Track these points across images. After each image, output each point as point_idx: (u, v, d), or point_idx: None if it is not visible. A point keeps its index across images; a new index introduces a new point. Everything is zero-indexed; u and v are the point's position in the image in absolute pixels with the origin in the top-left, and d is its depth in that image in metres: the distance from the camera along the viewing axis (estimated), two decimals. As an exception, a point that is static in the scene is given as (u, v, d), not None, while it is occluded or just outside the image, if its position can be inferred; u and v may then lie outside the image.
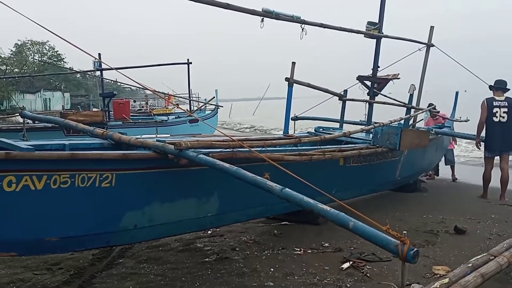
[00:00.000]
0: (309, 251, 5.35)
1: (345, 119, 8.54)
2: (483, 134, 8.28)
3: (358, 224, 2.96)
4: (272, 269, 4.79)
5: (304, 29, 6.07)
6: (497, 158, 8.30)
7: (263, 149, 4.82)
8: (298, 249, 5.41)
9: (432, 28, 8.79)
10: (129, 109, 15.67)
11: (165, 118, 14.60)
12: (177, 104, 35.81)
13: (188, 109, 16.09)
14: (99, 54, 14.91)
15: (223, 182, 4.76)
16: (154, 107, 37.52)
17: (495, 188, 8.53)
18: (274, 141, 5.02)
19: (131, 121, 14.60)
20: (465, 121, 10.10)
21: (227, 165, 3.80)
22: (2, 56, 58.93)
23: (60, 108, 59.14)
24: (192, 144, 4.15)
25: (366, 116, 8.02)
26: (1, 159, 3.35)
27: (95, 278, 4.64)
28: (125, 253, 5.39)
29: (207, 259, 5.15)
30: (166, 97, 36.20)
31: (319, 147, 5.61)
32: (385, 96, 7.99)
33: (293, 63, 7.04)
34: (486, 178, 8.33)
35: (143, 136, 10.07)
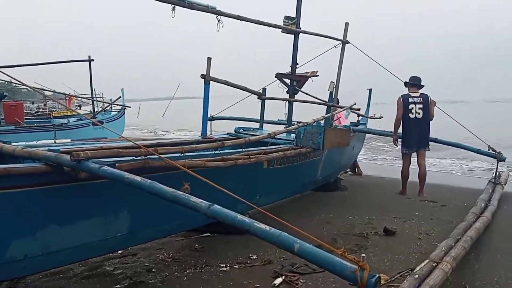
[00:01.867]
0: (236, 266, 4.82)
1: (264, 118, 8.14)
2: (400, 130, 8.31)
3: (306, 247, 2.47)
4: (196, 293, 4.19)
5: (220, 21, 5.53)
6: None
7: (182, 155, 4.18)
8: (224, 265, 4.85)
9: (347, 24, 8.67)
10: (23, 112, 14.02)
11: (65, 121, 13.25)
12: (80, 106, 33.63)
13: (92, 111, 14.79)
14: (-16, 50, 13.20)
15: (133, 195, 4.07)
16: (54, 109, 34.84)
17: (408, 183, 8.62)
18: (193, 146, 4.40)
19: (25, 125, 13.05)
20: (379, 118, 10.18)
21: (138, 178, 3.13)
22: None
23: None
24: (94, 153, 3.40)
25: (286, 115, 7.69)
26: None
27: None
28: (16, 285, 4.45)
29: (118, 286, 4.40)
30: (67, 98, 33.87)
31: (243, 150, 5.08)
32: (307, 94, 7.69)
33: (209, 59, 6.45)
34: (404, 175, 8.38)
35: (40, 141, 8.91)
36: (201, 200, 2.91)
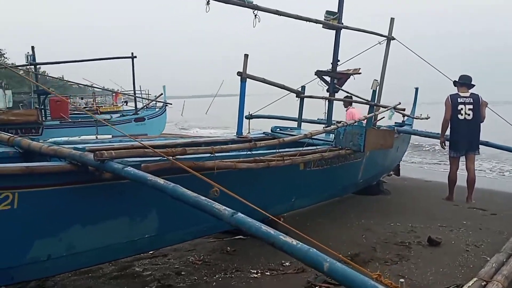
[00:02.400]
0: (268, 273, 4.59)
1: (303, 117, 7.86)
2: (447, 132, 7.81)
3: (336, 266, 2.20)
4: (224, 300, 4.00)
5: (257, 16, 5.31)
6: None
7: (211, 155, 4.00)
8: (255, 271, 4.64)
9: (392, 20, 8.27)
10: (68, 108, 14.36)
11: (107, 117, 13.46)
12: (126, 102, 34.35)
13: (135, 107, 14.96)
14: (32, 47, 13.59)
15: (161, 196, 3.93)
16: (102, 105, 35.81)
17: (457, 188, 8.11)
18: (224, 147, 4.21)
19: (69, 120, 13.35)
20: (426, 118, 9.66)
21: (161, 181, 2.96)
22: None
23: (1, 106, 55.70)
24: (118, 153, 3.27)
25: (326, 114, 7.37)
26: None
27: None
28: (45, 283, 4.42)
29: (145, 288, 4.29)
30: (113, 94, 34.69)
31: (277, 150, 4.85)
32: (347, 92, 7.35)
33: (246, 56, 6.26)
34: (452, 179, 7.87)
35: (82, 137, 9.01)
36: (224, 207, 2.71)
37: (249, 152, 4.63)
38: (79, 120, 13.78)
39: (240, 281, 4.42)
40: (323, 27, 6.90)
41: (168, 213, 4.07)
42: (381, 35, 8.06)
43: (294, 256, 2.44)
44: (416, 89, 10.32)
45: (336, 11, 7.06)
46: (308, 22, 6.46)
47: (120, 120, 13.84)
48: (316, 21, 6.67)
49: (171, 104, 15.05)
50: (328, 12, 6.91)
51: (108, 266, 4.81)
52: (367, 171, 7.64)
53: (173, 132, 18.81)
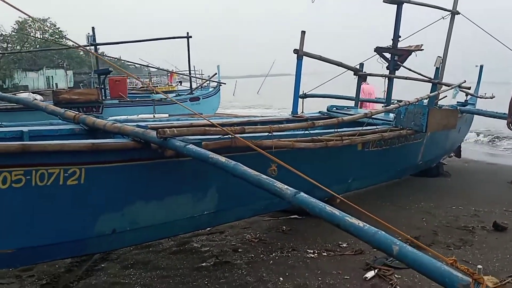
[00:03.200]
0: (324, 254, 4.56)
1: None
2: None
3: (407, 250, 2.10)
4: (281, 278, 4.00)
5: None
6: None
7: (269, 134, 3.96)
8: (311, 251, 4.62)
9: (458, -7, 7.81)
10: (126, 87, 14.75)
11: (163, 96, 13.72)
12: (180, 82, 34.92)
13: (190, 87, 15.17)
14: (93, 28, 14.00)
15: (221, 174, 3.95)
16: (157, 85, 36.55)
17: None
18: (282, 126, 4.15)
19: (128, 99, 13.73)
20: (490, 97, 9.15)
21: (222, 159, 2.96)
22: (4, 33, 57.95)
23: (63, 86, 58.28)
24: (180, 131, 3.30)
25: (385, 93, 7.12)
26: None
27: (69, 289, 3.89)
28: (109, 256, 4.61)
29: (204, 264, 4.38)
30: (169, 75, 35.31)
31: (335, 130, 4.74)
32: (411, 70, 7.04)
33: (303, 32, 6.14)
34: (520, 162, 7.44)
35: (140, 115, 9.24)
36: (286, 186, 2.67)
37: (306, 132, 4.56)
38: (137, 99, 14.17)
39: (297, 260, 4.40)
40: (384, 1, 6.63)
41: (227, 191, 4.10)
42: (445, 9, 7.65)
43: (360, 238, 2.37)
44: (481, 66, 9.77)
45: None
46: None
47: (176, 100, 14.05)
48: (377, -5, 6.43)
49: (225, 83, 15.12)
50: (389, -14, 6.61)
51: (167, 242, 4.95)
52: (428, 153, 7.36)
53: (226, 112, 18.92)
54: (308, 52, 6.20)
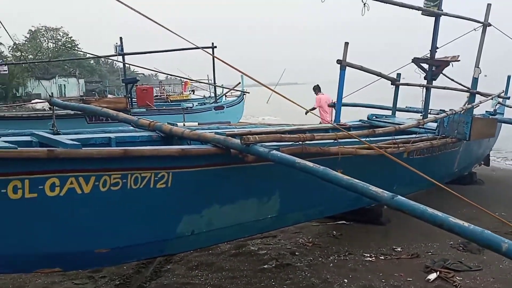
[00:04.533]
0: (382, 257, 4.71)
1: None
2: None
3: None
4: (345, 280, 4.16)
5: (366, 4, 5.35)
6: None
7: (335, 141, 4.15)
8: (368, 255, 4.77)
9: (489, 6, 7.95)
10: (153, 96, 15.02)
11: (190, 105, 13.98)
12: (193, 90, 35.25)
13: (214, 96, 15.40)
14: (121, 38, 14.30)
15: (284, 179, 4.15)
16: (169, 94, 36.86)
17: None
18: (346, 133, 4.33)
19: (155, 108, 13.98)
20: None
21: (310, 164, 3.14)
22: (17, 42, 58.83)
23: (75, 94, 58.95)
24: (261, 137, 3.49)
25: (423, 103, 7.28)
26: (43, 158, 2.73)
27: (145, 289, 4.07)
28: (172, 258, 4.79)
29: (265, 266, 4.55)
30: (183, 83, 35.59)
31: (393, 138, 4.91)
32: (452, 80, 7.20)
33: (346, 44, 6.34)
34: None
35: (180, 124, 9.48)
36: (382, 190, 2.83)
37: (341, 140, 4.65)
38: (163, 107, 14.41)
39: (356, 263, 4.56)
40: (422, 13, 6.80)
41: (289, 195, 4.27)
42: (477, 21, 7.79)
43: (466, 237, 2.53)
44: (509, 77, 9.90)
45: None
46: (410, 9, 6.40)
47: (200, 108, 14.33)
48: (418, 8, 6.59)
49: (248, 92, 15.35)
50: (428, -1, 6.80)
51: (224, 245, 5.11)
52: (463, 161, 7.51)
53: (248, 120, 19.11)
54: (350, 62, 6.38)
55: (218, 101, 15.52)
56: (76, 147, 2.87)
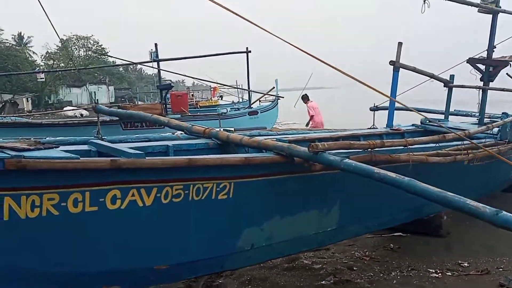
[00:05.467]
0: (449, 273, 4.36)
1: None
2: None
3: None
4: (413, 299, 3.84)
5: (426, 1, 5.05)
6: None
7: (405, 148, 3.85)
8: (433, 270, 4.44)
9: (547, 2, 7.50)
10: (187, 102, 14.94)
11: (224, 110, 13.82)
12: (221, 96, 35.23)
13: (248, 101, 15.22)
14: (156, 44, 14.28)
15: (345, 189, 3.87)
16: (198, 100, 36.94)
17: None
18: (416, 139, 4.03)
19: (189, 114, 13.86)
20: None
21: (392, 174, 2.85)
22: (49, 51, 60.29)
23: (105, 101, 59.88)
24: (330, 145, 3.23)
25: (479, 106, 6.87)
26: (105, 169, 2.53)
27: (199, 307, 3.84)
28: (222, 272, 4.53)
29: (323, 282, 4.26)
30: (211, 89, 35.63)
31: (462, 143, 4.57)
32: None
33: (400, 44, 6.01)
34: None
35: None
36: (482, 205, 2.53)
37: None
38: (198, 113, 14.30)
39: (421, 280, 4.23)
40: (478, 11, 6.43)
41: (349, 206, 3.99)
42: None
43: None
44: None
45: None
46: (467, 6, 6.05)
47: (235, 114, 14.16)
48: (473, 4, 6.23)
49: (283, 97, 15.11)
50: (485, -4, 6.42)
51: (276, 259, 4.84)
52: (520, 167, 7.06)
53: (279, 126, 18.84)
54: (404, 64, 6.05)
55: (252, 106, 15.31)
56: (140, 156, 2.66)
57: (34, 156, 2.30)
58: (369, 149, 3.55)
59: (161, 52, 14.02)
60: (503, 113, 6.33)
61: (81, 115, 36.44)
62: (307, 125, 12.30)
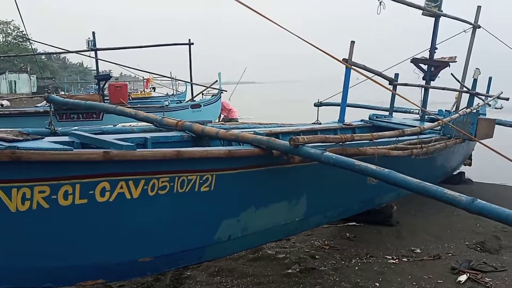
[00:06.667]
0: (404, 260, 4.66)
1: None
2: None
3: None
4: (377, 284, 4.08)
5: (382, 3, 5.31)
6: None
7: (371, 142, 4.06)
8: (390, 257, 4.72)
9: (479, 8, 8.15)
10: (127, 93, 14.49)
11: (166, 103, 13.56)
12: (154, 88, 34.50)
13: (191, 94, 15.02)
14: (93, 33, 13.71)
15: (312, 181, 4.03)
16: (130, 91, 35.91)
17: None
18: (380, 134, 4.24)
19: (129, 105, 13.45)
20: (500, 108, 9.53)
21: (373, 166, 3.02)
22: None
23: (27, 91, 56.34)
24: (309, 139, 3.34)
25: (421, 103, 7.33)
26: (98, 161, 2.46)
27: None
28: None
29: (290, 270, 4.40)
30: (144, 80, 34.80)
31: (417, 137, 4.87)
32: (459, 81, 7.26)
33: (352, 42, 6.26)
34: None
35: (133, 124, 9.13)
36: (459, 194, 2.75)
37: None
38: (138, 105, 13.92)
39: (380, 266, 4.49)
40: (422, 13, 6.86)
41: (314, 197, 4.15)
42: (469, 23, 7.96)
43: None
44: (489, 78, 10.19)
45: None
46: (413, 8, 6.43)
47: (177, 107, 13.95)
48: (418, 7, 6.64)
49: (226, 91, 15.09)
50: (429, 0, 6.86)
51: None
52: (455, 161, 7.65)
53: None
54: (356, 62, 6.31)
55: (194, 99, 15.13)
56: (131, 148, 2.62)
57: (29, 147, 2.19)
58: (341, 143, 3.71)
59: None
60: (439, 110, 6.80)
61: (1, 105, 34.12)
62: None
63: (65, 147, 2.36)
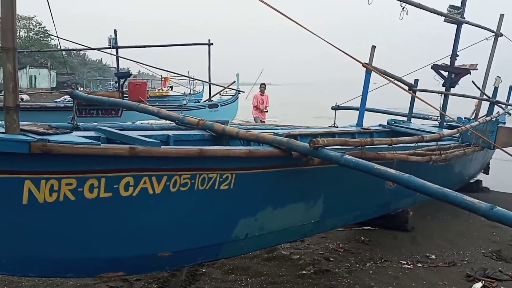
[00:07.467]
0: (419, 265, 4.66)
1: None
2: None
3: None
4: (391, 288, 4.09)
5: (404, 9, 5.31)
6: None
7: (390, 146, 4.07)
8: (404, 262, 4.72)
9: (502, 16, 8.09)
10: (146, 91, 14.63)
11: (184, 102, 13.68)
12: (171, 87, 34.78)
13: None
14: (115, 31, 13.90)
15: (329, 184, 4.05)
16: (148, 89, 36.16)
17: None
18: (400, 139, 4.26)
19: (147, 103, 13.57)
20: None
21: (393, 171, 3.04)
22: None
23: (46, 86, 57.17)
24: (329, 141, 3.37)
25: (440, 110, 7.29)
26: (123, 156, 2.54)
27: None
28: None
29: (304, 272, 4.43)
30: (162, 79, 35.06)
31: (436, 144, 4.87)
32: (479, 89, 7.22)
33: (373, 47, 6.27)
34: None
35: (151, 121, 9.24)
36: (478, 200, 2.76)
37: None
38: (157, 103, 14.07)
39: (395, 271, 4.50)
40: (445, 20, 6.83)
41: (330, 200, 4.17)
42: (491, 31, 7.91)
43: None
44: (510, 87, 10.09)
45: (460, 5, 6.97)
46: (437, 15, 6.41)
47: (194, 106, 14.08)
48: (441, 14, 6.61)
49: (243, 91, 15.16)
50: (451, 6, 6.82)
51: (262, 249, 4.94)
52: (473, 168, 7.60)
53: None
54: (375, 66, 6.32)
55: (212, 99, 15.25)
56: (156, 145, 2.68)
57: (59, 141, 2.27)
58: (360, 147, 3.73)
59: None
60: (458, 117, 6.77)
61: (21, 99, 34.76)
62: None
63: (93, 141, 2.44)
